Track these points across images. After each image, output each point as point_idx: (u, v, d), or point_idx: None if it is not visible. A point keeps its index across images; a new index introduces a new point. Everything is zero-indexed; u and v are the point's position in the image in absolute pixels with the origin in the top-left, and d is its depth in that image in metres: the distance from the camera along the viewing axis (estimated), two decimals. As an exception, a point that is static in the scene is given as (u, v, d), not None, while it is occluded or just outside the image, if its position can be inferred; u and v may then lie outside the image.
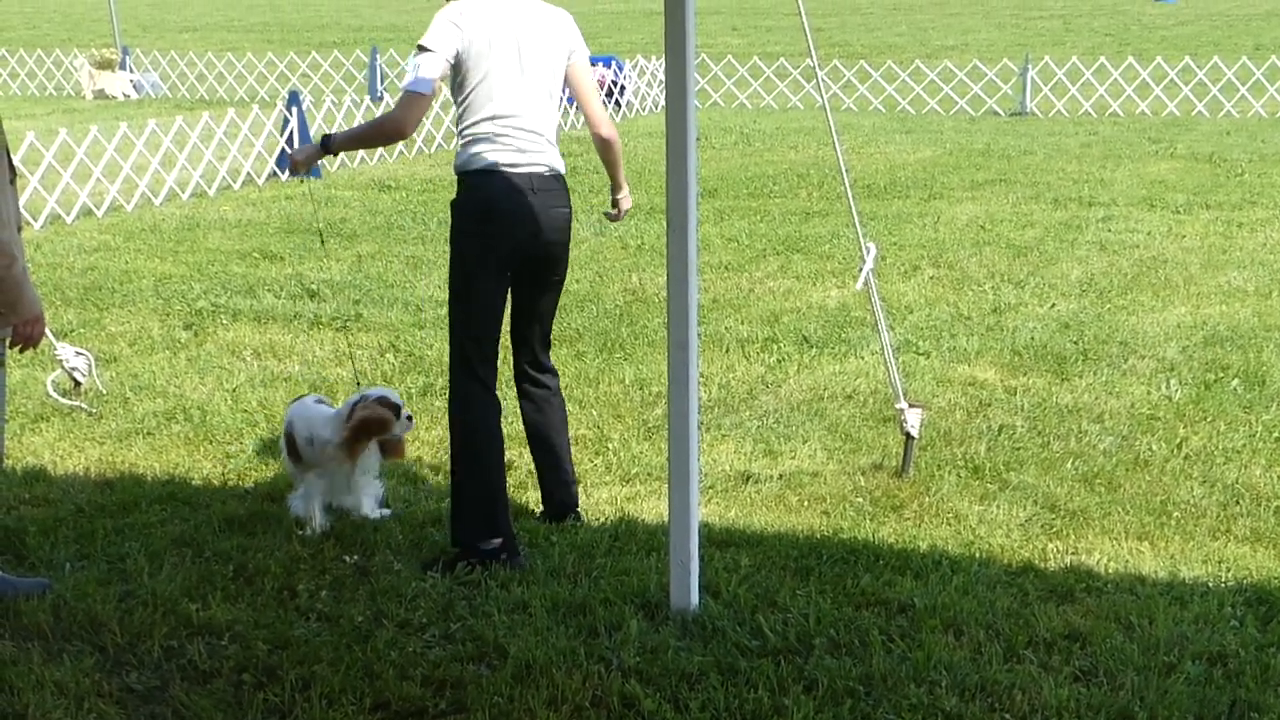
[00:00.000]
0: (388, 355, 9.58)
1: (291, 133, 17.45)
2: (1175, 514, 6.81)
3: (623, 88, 24.76)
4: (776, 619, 5.61)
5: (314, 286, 11.53)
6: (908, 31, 44.88)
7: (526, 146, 6.29)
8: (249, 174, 17.17)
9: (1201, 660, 5.29)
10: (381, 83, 27.18)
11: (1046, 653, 5.36)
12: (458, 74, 6.24)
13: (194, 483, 7.24)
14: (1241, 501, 6.96)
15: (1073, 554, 6.36)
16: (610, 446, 7.82)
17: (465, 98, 6.27)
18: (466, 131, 6.28)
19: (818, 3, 59.48)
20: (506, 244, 6.27)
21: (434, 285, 11.52)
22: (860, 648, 5.39)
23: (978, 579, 6.02)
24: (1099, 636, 5.46)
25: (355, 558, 6.28)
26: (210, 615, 5.68)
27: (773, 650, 5.38)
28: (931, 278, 11.83)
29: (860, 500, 7.01)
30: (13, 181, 5.69)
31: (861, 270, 7.27)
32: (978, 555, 6.31)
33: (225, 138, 17.26)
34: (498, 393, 6.38)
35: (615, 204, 6.93)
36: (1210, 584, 6.00)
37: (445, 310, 10.60)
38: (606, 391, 8.78)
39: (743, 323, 10.36)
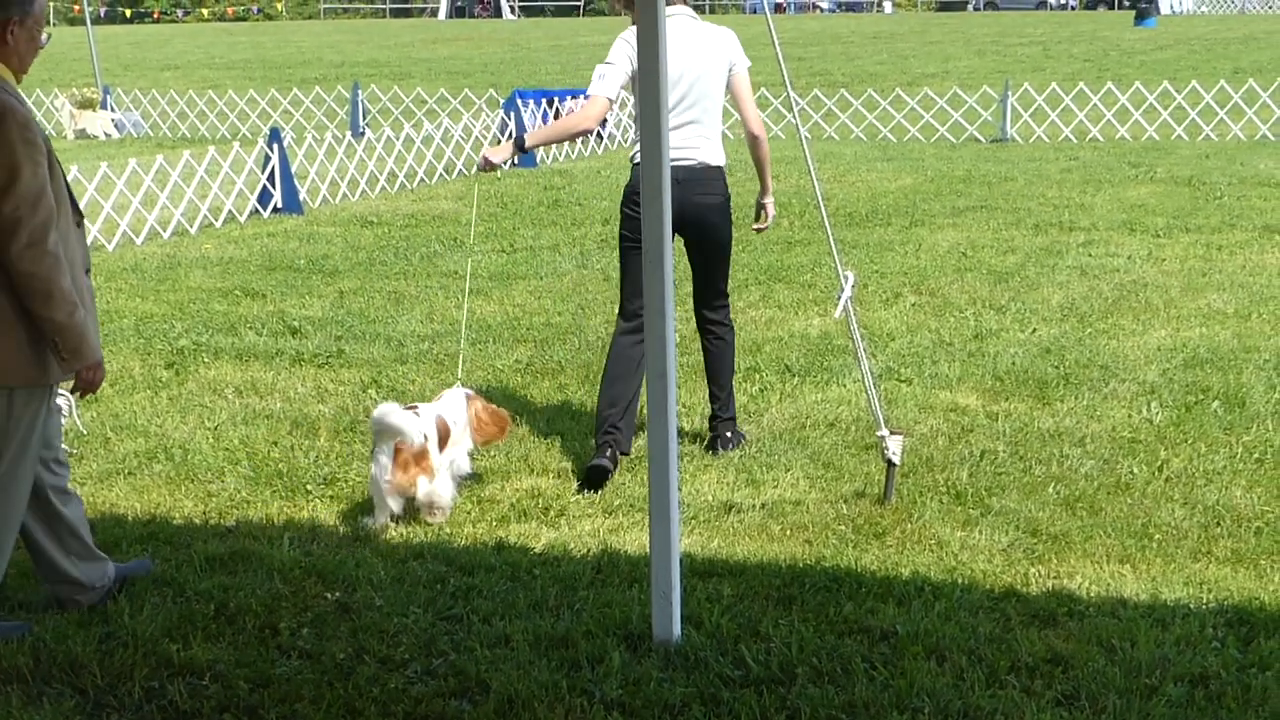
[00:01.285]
0: (369, 391, 9.57)
1: (273, 170, 17.47)
2: (1157, 536, 6.82)
3: (603, 121, 24.71)
4: (759, 648, 5.61)
5: (296, 323, 11.53)
6: (888, 60, 45.02)
7: (675, 143, 7.50)
8: (230, 212, 17.18)
9: (1183, 682, 5.30)
10: (363, 119, 27.19)
11: (1029, 677, 5.37)
12: (634, 85, 7.37)
13: (175, 522, 7.23)
14: (1222, 523, 6.98)
15: (1054, 578, 6.36)
16: (593, 478, 7.81)
17: (637, 105, 7.30)
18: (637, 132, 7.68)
19: (799, 33, 59.69)
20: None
21: (416, 320, 11.53)
22: (843, 676, 5.39)
23: (960, 605, 6.02)
24: (1081, 660, 5.47)
25: (337, 594, 6.27)
26: (191, 655, 5.66)
27: (755, 680, 5.38)
28: (913, 305, 11.86)
29: (843, 528, 7.02)
30: (79, 224, 5.76)
31: (840, 298, 7.29)
32: (960, 581, 6.32)
33: (206, 176, 17.26)
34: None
35: (761, 208, 8.34)
36: (1192, 606, 6.01)
37: (427, 345, 10.68)
38: (589, 424, 8.75)
39: (725, 353, 10.36)
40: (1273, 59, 42.38)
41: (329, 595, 6.26)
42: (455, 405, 7.73)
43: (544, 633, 5.81)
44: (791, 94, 7.34)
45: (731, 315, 8.42)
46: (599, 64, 7.85)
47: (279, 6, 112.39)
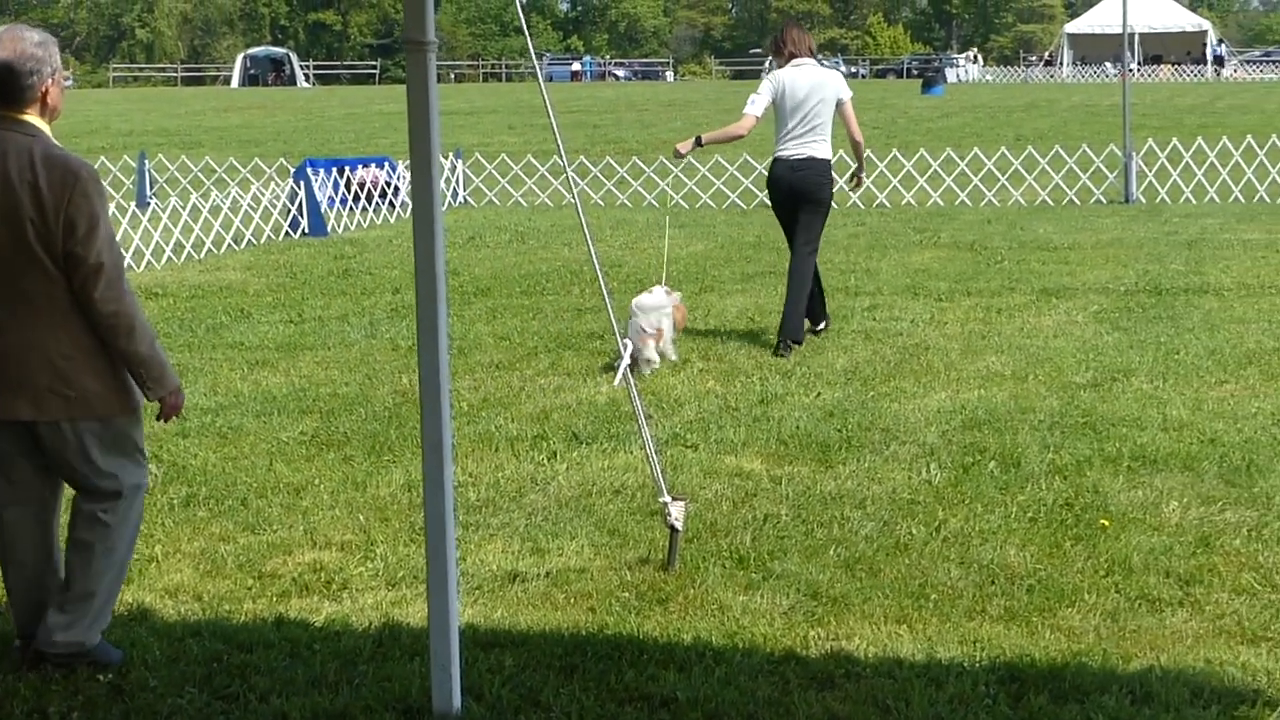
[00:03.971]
0: (150, 466, 9.35)
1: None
2: (933, 596, 6.94)
3: (396, 189, 24.59)
4: (539, 718, 5.59)
5: (75, 397, 11.24)
6: (682, 128, 45.48)
7: (795, 146, 12.46)
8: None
9: (956, 740, 5.39)
10: (150, 188, 26.65)
11: (806, 740, 5.42)
12: (774, 109, 12.50)
13: (-59, 605, 7.00)
14: (997, 581, 7.12)
15: (833, 640, 6.44)
16: (377, 551, 7.74)
17: (777, 122, 12.52)
18: (776, 139, 12.53)
19: (594, 100, 60.17)
20: (777, 195, 12.76)
21: (199, 393, 11.32)
22: (622, 744, 5.39)
23: (740, 669, 6.07)
24: (857, 721, 5.54)
25: (109, 676, 6.11)
26: (-47, 743, 5.49)
27: (535, 751, 5.35)
28: (701, 370, 11.96)
29: (626, 595, 7.03)
30: None
31: (619, 367, 7.34)
32: (741, 645, 6.36)
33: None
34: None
35: (855, 176, 13.89)
36: (966, 664, 6.12)
37: (210, 419, 10.49)
38: (374, 495, 8.70)
39: (512, 420, 10.35)
40: (1053, 126, 43.80)
41: (101, 677, 6.09)
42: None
43: (322, 709, 5.73)
44: (566, 167, 7.39)
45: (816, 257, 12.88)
46: (751, 93, 12.67)
47: (67, 74, 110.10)
